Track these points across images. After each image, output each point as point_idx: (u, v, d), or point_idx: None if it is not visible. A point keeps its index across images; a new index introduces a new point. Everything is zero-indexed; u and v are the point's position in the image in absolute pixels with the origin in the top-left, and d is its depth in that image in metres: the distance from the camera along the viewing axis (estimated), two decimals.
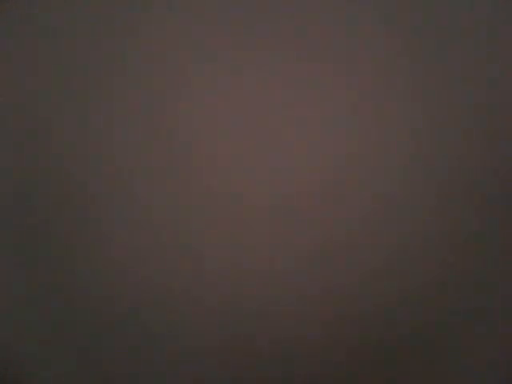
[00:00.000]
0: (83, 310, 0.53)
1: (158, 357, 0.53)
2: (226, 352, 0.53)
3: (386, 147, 0.53)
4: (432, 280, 0.53)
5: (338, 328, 0.53)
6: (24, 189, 0.53)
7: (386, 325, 0.53)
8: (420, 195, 0.53)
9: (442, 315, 0.53)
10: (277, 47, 0.54)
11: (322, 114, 0.53)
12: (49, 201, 0.53)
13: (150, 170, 0.53)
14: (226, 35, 0.54)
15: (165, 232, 0.53)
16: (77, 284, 0.53)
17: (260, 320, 0.53)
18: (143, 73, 0.54)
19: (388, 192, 0.53)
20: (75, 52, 0.54)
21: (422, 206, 0.53)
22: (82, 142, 0.53)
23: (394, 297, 0.53)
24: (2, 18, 0.55)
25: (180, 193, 0.53)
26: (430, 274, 0.53)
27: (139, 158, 0.53)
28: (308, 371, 0.53)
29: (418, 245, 0.53)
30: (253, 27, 0.54)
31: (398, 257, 0.53)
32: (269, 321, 0.53)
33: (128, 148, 0.53)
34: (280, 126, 0.53)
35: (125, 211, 0.53)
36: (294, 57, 0.54)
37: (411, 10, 0.54)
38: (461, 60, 0.54)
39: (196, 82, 0.54)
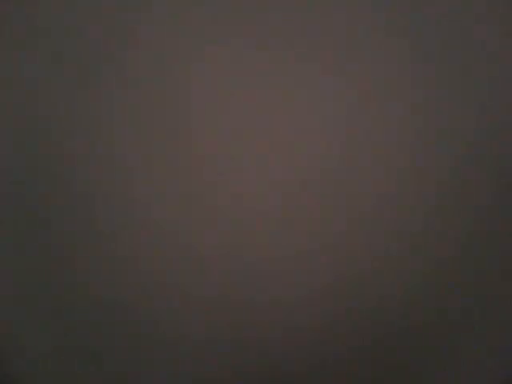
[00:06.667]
0: (83, 310, 0.53)
1: (158, 356, 0.53)
2: (226, 350, 0.53)
3: (385, 147, 0.53)
4: (432, 280, 0.53)
5: (338, 321, 0.53)
6: (24, 189, 0.53)
7: (385, 324, 0.53)
8: (420, 195, 0.53)
9: (442, 315, 0.53)
10: (277, 47, 0.54)
11: (321, 114, 0.53)
12: (49, 201, 0.53)
13: (150, 169, 0.53)
14: (225, 35, 0.54)
15: (165, 232, 0.53)
16: (77, 284, 0.53)
17: (261, 317, 0.53)
18: (143, 73, 0.54)
19: (388, 192, 0.53)
20: (75, 52, 0.54)
21: (422, 206, 0.53)
22: (82, 142, 0.53)
23: (394, 297, 0.53)
24: (2, 18, 0.55)
25: (180, 192, 0.53)
26: (430, 273, 0.53)
27: (139, 158, 0.53)
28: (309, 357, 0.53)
29: (417, 244, 0.53)
30: (253, 27, 0.54)
31: (398, 256, 0.53)
32: (272, 318, 0.53)
33: (128, 148, 0.53)
34: (280, 126, 0.53)
35: (125, 211, 0.53)
36: (293, 56, 0.54)
37: (411, 10, 0.54)
38: (461, 60, 0.54)
39: (196, 82, 0.54)
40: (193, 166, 0.53)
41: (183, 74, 0.54)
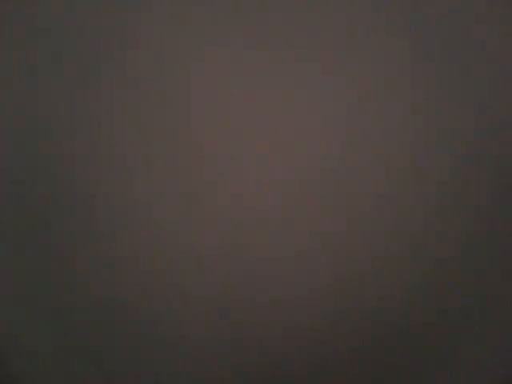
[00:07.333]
0: (83, 310, 0.53)
1: (158, 356, 0.53)
2: (226, 350, 0.53)
3: (385, 147, 0.53)
4: (432, 280, 0.53)
5: (339, 321, 0.53)
6: (24, 189, 0.53)
7: (385, 324, 0.53)
8: (420, 195, 0.53)
9: (442, 315, 0.53)
10: (277, 47, 0.54)
11: (321, 114, 0.53)
12: (49, 201, 0.53)
13: (150, 169, 0.53)
14: (225, 35, 0.54)
15: (165, 232, 0.53)
16: (77, 284, 0.53)
17: (261, 318, 0.53)
18: (143, 73, 0.54)
19: (388, 192, 0.53)
20: (75, 52, 0.54)
21: (422, 206, 0.53)
22: (82, 142, 0.53)
23: (394, 297, 0.53)
24: (2, 18, 0.55)
25: (180, 192, 0.53)
26: (430, 273, 0.53)
27: (139, 158, 0.53)
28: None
29: (417, 244, 0.53)
30: (253, 27, 0.54)
31: (398, 256, 0.53)
32: (272, 318, 0.53)
33: (128, 148, 0.53)
34: (280, 126, 0.53)
35: (125, 211, 0.53)
36: (293, 56, 0.54)
37: (411, 10, 0.54)
38: (461, 60, 0.54)
39: (196, 82, 0.54)
40: (193, 165, 0.53)
41: (183, 74, 0.54)
